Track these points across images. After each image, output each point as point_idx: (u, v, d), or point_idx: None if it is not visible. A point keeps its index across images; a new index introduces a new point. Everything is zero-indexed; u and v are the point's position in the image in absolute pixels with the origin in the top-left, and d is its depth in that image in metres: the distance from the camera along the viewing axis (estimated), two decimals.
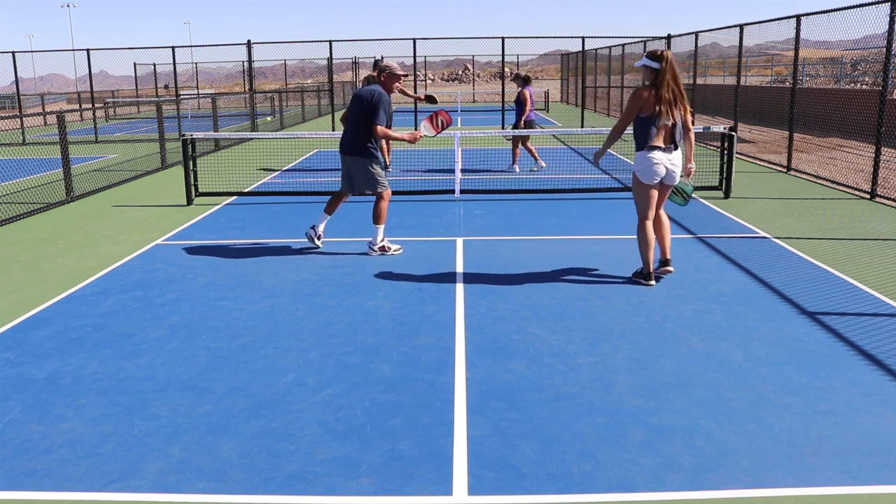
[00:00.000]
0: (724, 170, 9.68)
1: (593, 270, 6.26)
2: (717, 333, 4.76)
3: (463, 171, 11.99)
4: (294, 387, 4.07)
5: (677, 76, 5.48)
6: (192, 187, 9.84)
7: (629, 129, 5.84)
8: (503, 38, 22.71)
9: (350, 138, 6.68)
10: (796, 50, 12.04)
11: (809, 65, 25.63)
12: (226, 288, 5.93)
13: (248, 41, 21.23)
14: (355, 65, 34.91)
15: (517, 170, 12.43)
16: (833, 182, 10.69)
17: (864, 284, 5.75)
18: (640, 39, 22.95)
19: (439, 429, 3.57)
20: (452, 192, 10.00)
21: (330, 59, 22.53)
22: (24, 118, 18.10)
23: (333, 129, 21.49)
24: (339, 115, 26.31)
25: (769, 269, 6.20)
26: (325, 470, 3.23)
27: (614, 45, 25.87)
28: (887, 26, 9.07)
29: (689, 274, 6.08)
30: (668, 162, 5.57)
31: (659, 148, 5.53)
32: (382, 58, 32.79)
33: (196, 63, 40.71)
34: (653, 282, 5.80)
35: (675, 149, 5.61)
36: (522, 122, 12.12)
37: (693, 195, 6.21)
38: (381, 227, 6.87)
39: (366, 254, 6.91)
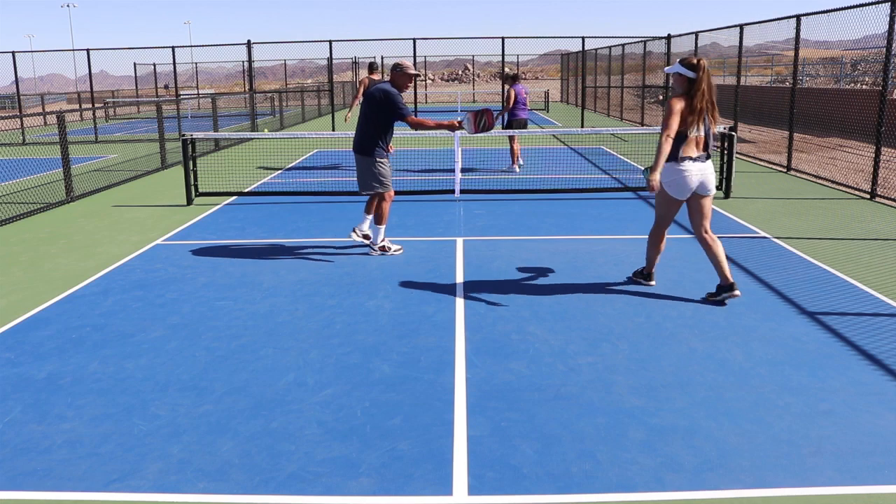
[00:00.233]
0: (724, 170, 9.68)
1: (593, 270, 6.26)
2: (717, 333, 4.76)
3: (463, 170, 12.00)
4: (294, 387, 4.07)
5: (712, 86, 5.20)
6: (192, 187, 9.84)
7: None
8: (503, 38, 22.73)
9: (358, 137, 6.69)
10: (796, 50, 12.04)
11: (809, 65, 25.63)
12: (226, 288, 5.93)
13: (248, 41, 21.24)
14: (355, 65, 34.90)
15: (517, 169, 12.44)
16: (833, 182, 10.69)
17: (864, 284, 5.75)
18: (640, 39, 22.96)
19: (439, 429, 3.57)
20: (452, 192, 10.00)
21: (330, 59, 22.53)
22: (24, 118, 18.10)
23: (333, 129, 21.49)
24: (339, 115, 26.33)
25: (769, 269, 6.20)
26: (325, 470, 3.23)
27: (614, 45, 25.88)
28: (887, 26, 9.07)
29: (689, 274, 6.08)
30: (701, 173, 5.25)
31: (691, 158, 5.22)
32: (382, 59, 32.76)
33: (196, 63, 40.77)
34: (653, 282, 5.79)
35: (708, 158, 5.32)
36: (504, 120, 12.11)
37: None
38: (383, 228, 6.86)
39: (366, 253, 6.91)
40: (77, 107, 31.90)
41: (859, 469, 3.16)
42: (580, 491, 3.05)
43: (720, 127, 9.97)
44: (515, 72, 12.41)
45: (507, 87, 12.23)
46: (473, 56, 47.45)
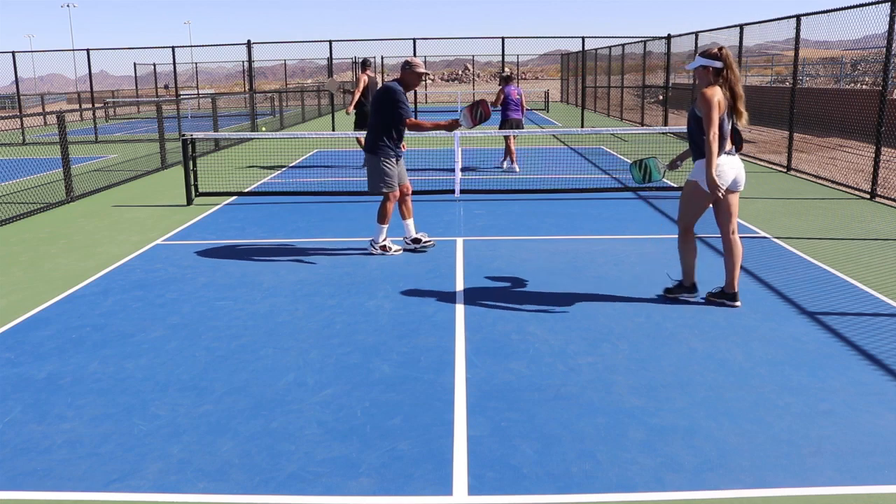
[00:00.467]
0: None
1: (593, 270, 6.26)
2: (717, 333, 4.76)
3: (462, 169, 12.01)
4: (294, 387, 4.07)
5: (737, 73, 4.96)
6: (192, 187, 9.84)
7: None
8: (503, 38, 22.73)
9: (367, 135, 6.71)
10: (796, 50, 12.04)
11: (809, 65, 25.62)
12: (226, 288, 5.93)
13: (248, 41, 21.24)
14: (355, 65, 34.90)
15: (517, 168, 12.46)
16: (833, 182, 10.69)
17: (864, 284, 5.75)
18: (640, 39, 22.96)
19: (439, 429, 3.57)
20: (452, 192, 10.00)
21: (330, 59, 22.54)
22: (24, 118, 18.09)
23: (333, 130, 21.48)
24: (339, 114, 26.30)
25: (769, 269, 6.20)
26: (325, 470, 3.23)
27: (614, 45, 25.89)
28: (887, 26, 9.07)
29: None
30: (734, 167, 5.04)
31: (725, 152, 4.98)
32: (382, 59, 32.67)
33: (196, 63, 40.78)
34: (698, 295, 5.35)
35: (738, 151, 5.11)
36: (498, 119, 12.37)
37: (652, 182, 5.90)
38: (384, 227, 6.84)
39: (367, 253, 6.91)
40: (77, 107, 31.90)
41: (859, 469, 3.16)
42: (580, 491, 3.05)
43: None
44: (509, 73, 12.56)
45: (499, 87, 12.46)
46: (473, 56, 47.41)
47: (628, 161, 13.53)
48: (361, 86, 12.71)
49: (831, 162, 12.95)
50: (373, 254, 6.88)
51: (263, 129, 20.62)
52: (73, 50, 27.67)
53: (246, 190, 10.82)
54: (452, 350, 4.56)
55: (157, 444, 3.46)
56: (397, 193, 6.79)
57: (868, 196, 9.51)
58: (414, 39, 21.75)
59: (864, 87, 21.87)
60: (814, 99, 17.88)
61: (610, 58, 26.83)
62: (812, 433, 3.47)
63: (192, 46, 29.64)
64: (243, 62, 22.96)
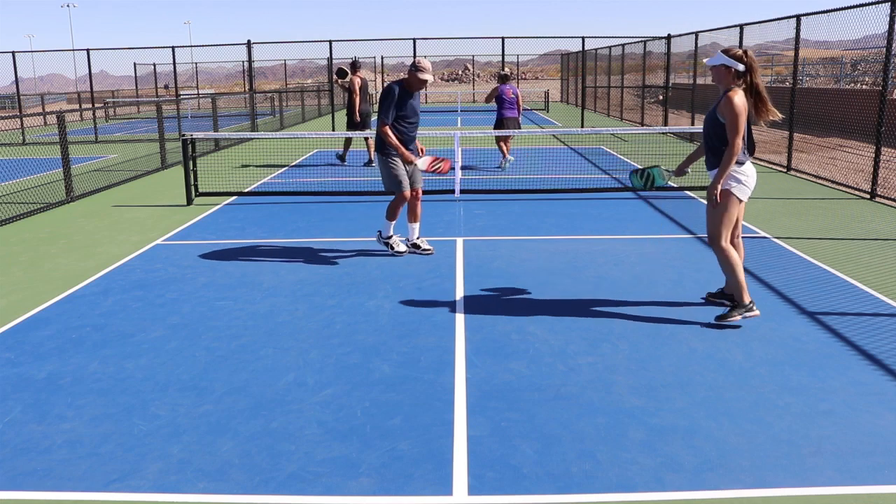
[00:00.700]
0: None
1: (593, 270, 6.26)
2: (717, 333, 4.76)
3: (463, 168, 12.03)
4: (294, 387, 4.07)
5: (760, 78, 4.71)
6: (192, 187, 9.84)
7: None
8: (503, 38, 22.74)
9: (376, 135, 6.69)
10: (796, 50, 12.04)
11: (809, 65, 25.63)
12: (226, 288, 5.93)
13: (248, 41, 21.24)
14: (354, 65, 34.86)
15: (510, 159, 12.80)
16: (833, 182, 10.69)
17: (864, 284, 5.75)
18: (640, 39, 22.96)
19: (439, 429, 3.57)
20: (452, 192, 10.00)
21: (330, 58, 22.53)
22: (24, 118, 18.10)
23: (333, 129, 21.48)
24: (339, 114, 26.32)
25: (769, 269, 6.20)
26: (325, 470, 3.23)
27: (614, 45, 25.89)
28: (887, 26, 9.07)
29: (689, 274, 6.08)
30: (754, 173, 4.82)
31: (744, 160, 4.75)
32: (382, 59, 32.59)
33: (196, 63, 40.78)
34: (757, 310, 4.89)
35: (751, 154, 4.86)
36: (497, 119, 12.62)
37: (651, 189, 5.76)
38: (391, 224, 6.82)
39: (366, 253, 6.91)
40: (77, 107, 31.90)
41: (859, 469, 3.16)
42: (580, 491, 3.05)
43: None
44: (506, 73, 12.74)
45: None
46: (473, 56, 47.42)
47: (628, 161, 13.53)
48: (357, 89, 12.87)
49: (831, 162, 12.95)
50: (378, 243, 6.92)
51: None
52: (73, 50, 27.69)
53: (246, 190, 10.82)
54: (452, 350, 4.56)
55: (157, 444, 3.46)
56: (407, 194, 6.66)
57: (868, 196, 9.51)
58: (414, 39, 21.76)
59: (864, 87, 21.88)
60: (814, 99, 17.88)
61: (610, 58, 26.83)
62: (812, 433, 3.47)
63: (192, 46, 29.67)
64: (243, 62, 22.97)
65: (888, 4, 9.07)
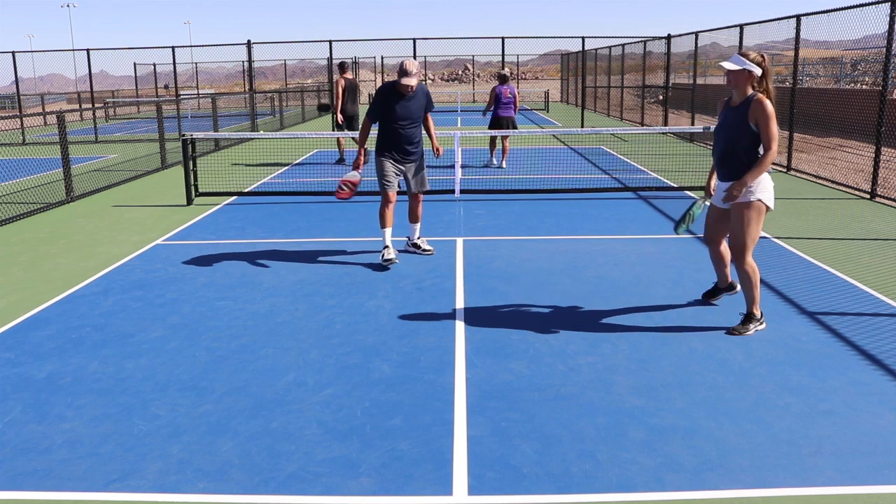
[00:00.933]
0: None
1: (593, 270, 6.26)
2: (717, 333, 4.76)
3: (463, 166, 12.04)
4: (294, 387, 4.07)
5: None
6: (192, 187, 9.84)
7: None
8: (503, 38, 22.75)
9: None
10: (796, 50, 12.04)
11: (809, 65, 25.62)
12: (226, 288, 5.93)
13: (248, 41, 21.25)
14: (355, 65, 34.90)
15: (494, 162, 13.15)
16: (833, 182, 10.69)
17: (864, 284, 5.75)
18: (640, 39, 22.96)
19: (439, 429, 3.57)
20: (452, 192, 10.00)
21: (330, 58, 22.54)
22: (24, 118, 18.10)
23: (333, 129, 21.47)
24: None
25: (769, 269, 6.19)
26: (325, 470, 3.23)
27: (614, 45, 25.89)
28: (887, 26, 9.07)
29: (689, 274, 6.08)
30: None
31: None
32: (382, 59, 32.58)
33: (196, 63, 40.80)
34: (765, 323, 4.86)
35: None
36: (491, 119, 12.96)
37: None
38: (382, 230, 6.57)
39: (366, 253, 6.91)
40: (77, 107, 31.91)
41: (859, 469, 3.16)
42: (580, 491, 3.05)
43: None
44: (503, 73, 13.01)
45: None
46: (473, 56, 47.43)
47: (628, 161, 13.52)
48: (340, 91, 13.07)
49: (831, 162, 12.94)
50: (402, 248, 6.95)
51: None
52: (73, 50, 27.69)
53: (246, 190, 10.82)
54: (452, 350, 4.56)
55: (157, 444, 3.46)
56: (389, 196, 6.49)
57: (868, 196, 9.51)
58: (414, 39, 21.77)
59: (864, 87, 21.88)
60: (814, 99, 17.87)
61: (610, 58, 26.83)
62: (812, 433, 3.47)
63: (192, 46, 29.69)
64: (243, 62, 22.98)
65: (888, 4, 9.07)
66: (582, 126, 22.05)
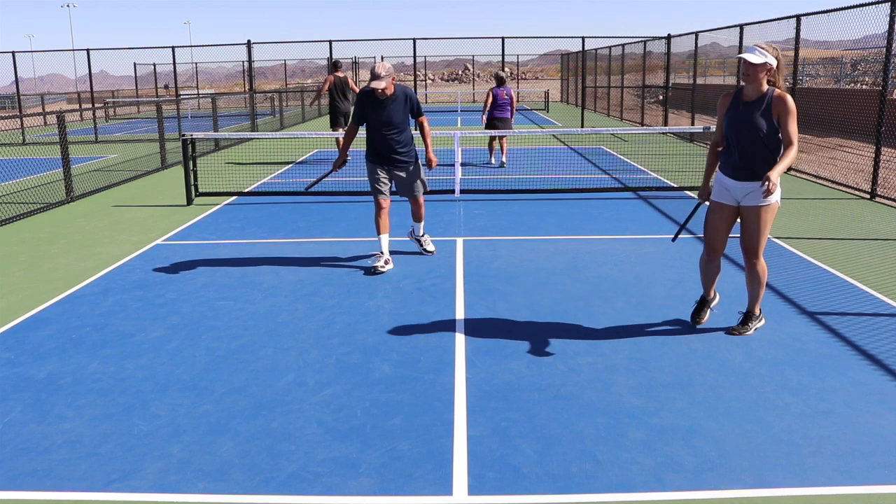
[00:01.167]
0: None
1: (593, 270, 6.26)
2: (717, 333, 4.76)
3: (463, 164, 12.05)
4: (294, 387, 4.07)
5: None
6: (192, 187, 9.84)
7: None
8: (503, 38, 22.75)
9: None
10: (796, 50, 12.04)
11: (809, 65, 25.62)
12: (226, 288, 5.93)
13: (248, 41, 21.25)
14: (355, 65, 34.91)
15: (493, 162, 13.31)
16: (833, 182, 10.69)
17: (864, 284, 5.75)
18: (640, 39, 22.96)
19: (439, 429, 3.57)
20: (452, 192, 10.00)
21: (330, 58, 22.54)
22: (24, 118, 18.10)
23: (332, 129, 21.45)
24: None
25: (769, 270, 6.18)
26: (325, 470, 3.23)
27: (614, 45, 25.89)
28: (887, 26, 9.07)
29: (689, 274, 6.08)
30: None
31: None
32: (382, 59, 32.55)
33: (196, 63, 40.81)
34: (764, 319, 4.88)
35: None
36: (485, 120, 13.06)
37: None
38: (380, 238, 6.37)
39: (366, 253, 6.91)
40: (77, 107, 31.91)
41: (859, 469, 3.16)
42: (580, 491, 3.05)
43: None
44: (500, 75, 13.16)
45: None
46: (473, 56, 47.42)
47: (628, 161, 13.52)
48: (326, 86, 13.28)
49: (831, 162, 12.94)
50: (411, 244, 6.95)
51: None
52: (73, 50, 27.70)
53: (246, 190, 10.82)
54: (452, 350, 4.56)
55: (157, 444, 3.46)
56: (380, 202, 6.32)
57: (868, 196, 9.51)
58: (414, 39, 21.77)
59: (864, 87, 21.87)
60: (814, 99, 17.87)
61: (610, 58, 26.83)
62: (812, 433, 3.47)
63: (192, 46, 29.71)
64: (243, 62, 22.99)
65: (888, 4, 9.07)
66: (582, 126, 22.05)
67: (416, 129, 6.54)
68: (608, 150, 15.58)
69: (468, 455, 3.33)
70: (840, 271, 6.11)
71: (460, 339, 4.74)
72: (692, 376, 4.12)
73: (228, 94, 30.24)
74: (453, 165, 10.42)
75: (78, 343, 4.79)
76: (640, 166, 12.78)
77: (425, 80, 56.70)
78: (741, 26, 14.06)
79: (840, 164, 12.69)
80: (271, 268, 6.52)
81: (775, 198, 4.46)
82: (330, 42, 22.06)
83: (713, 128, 9.78)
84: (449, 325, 4.98)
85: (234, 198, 10.19)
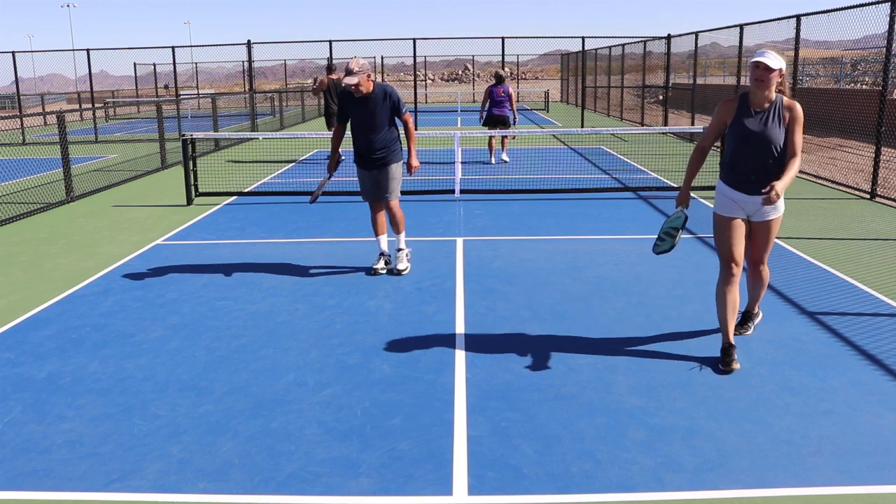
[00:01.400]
0: None
1: (593, 270, 6.26)
2: (717, 334, 4.75)
3: (463, 163, 12.06)
4: (294, 387, 4.07)
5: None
6: (192, 187, 9.84)
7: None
8: (503, 38, 22.72)
9: None
10: (796, 50, 12.04)
11: (809, 65, 25.61)
12: (226, 288, 5.93)
13: (248, 41, 21.25)
14: None
15: (493, 161, 13.35)
16: (833, 182, 10.69)
17: (864, 284, 5.75)
18: (640, 39, 22.96)
19: (439, 429, 3.57)
20: (452, 192, 10.00)
21: (330, 58, 22.52)
22: (24, 118, 18.10)
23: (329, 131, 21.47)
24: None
25: (769, 269, 6.18)
26: (325, 470, 3.23)
27: (614, 45, 25.88)
28: (887, 26, 9.07)
29: (689, 274, 6.08)
30: None
31: None
32: (382, 59, 32.50)
33: (196, 63, 40.78)
34: (761, 313, 4.89)
35: None
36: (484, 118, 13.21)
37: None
38: (378, 239, 6.32)
39: (366, 253, 6.90)
40: (77, 107, 31.90)
41: (859, 469, 3.16)
42: (580, 491, 3.05)
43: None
44: (500, 73, 13.29)
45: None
46: (473, 56, 47.39)
47: (628, 161, 13.52)
48: (318, 88, 13.50)
49: (831, 162, 12.94)
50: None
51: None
52: (73, 50, 27.68)
53: (246, 190, 10.82)
54: (452, 350, 4.56)
55: (157, 444, 3.46)
56: (370, 206, 6.25)
57: (868, 196, 9.51)
58: (414, 39, 21.74)
59: (864, 87, 21.87)
60: (814, 99, 17.86)
61: (610, 58, 26.82)
62: (812, 433, 3.47)
63: (192, 46, 29.68)
64: (243, 62, 22.98)
65: (888, 4, 9.07)
66: (582, 126, 22.05)
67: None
68: (608, 150, 15.57)
69: (468, 455, 3.33)
70: (840, 271, 6.11)
71: (460, 339, 4.74)
72: (692, 376, 4.12)
73: (228, 94, 30.24)
74: (453, 165, 10.42)
75: (78, 343, 4.79)
76: (640, 166, 12.78)
77: (425, 80, 56.69)
78: (741, 26, 14.06)
79: (840, 164, 12.69)
80: (271, 268, 6.52)
81: (783, 207, 4.39)
82: (330, 42, 22.04)
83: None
84: (449, 325, 4.98)
85: (234, 198, 10.19)
